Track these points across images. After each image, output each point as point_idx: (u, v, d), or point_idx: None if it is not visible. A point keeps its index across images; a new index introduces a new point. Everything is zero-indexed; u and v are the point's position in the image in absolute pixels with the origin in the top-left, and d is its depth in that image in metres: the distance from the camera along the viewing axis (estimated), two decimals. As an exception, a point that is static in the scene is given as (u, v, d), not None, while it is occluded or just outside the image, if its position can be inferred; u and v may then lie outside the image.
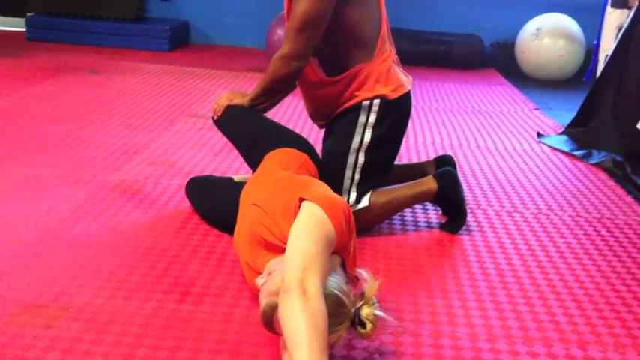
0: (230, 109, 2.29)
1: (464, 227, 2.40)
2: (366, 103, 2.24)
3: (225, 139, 2.56)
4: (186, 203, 2.44)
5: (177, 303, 1.79)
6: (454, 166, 2.51)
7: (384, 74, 2.26)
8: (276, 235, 1.66)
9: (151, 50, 5.64)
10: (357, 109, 2.25)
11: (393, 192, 2.32)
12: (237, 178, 2.42)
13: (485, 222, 2.52)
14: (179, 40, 5.96)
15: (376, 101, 2.24)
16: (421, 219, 2.49)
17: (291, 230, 1.54)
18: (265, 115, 2.34)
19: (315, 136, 3.16)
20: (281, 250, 1.65)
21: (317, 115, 2.40)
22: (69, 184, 2.57)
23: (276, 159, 2.02)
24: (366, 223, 2.27)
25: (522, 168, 3.20)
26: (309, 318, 1.35)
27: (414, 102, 2.43)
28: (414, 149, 3.40)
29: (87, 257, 2.00)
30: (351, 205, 2.22)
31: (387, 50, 2.30)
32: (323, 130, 2.46)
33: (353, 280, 1.65)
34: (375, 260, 2.13)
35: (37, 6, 5.77)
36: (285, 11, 2.28)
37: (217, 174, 2.83)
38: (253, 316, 1.74)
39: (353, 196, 2.24)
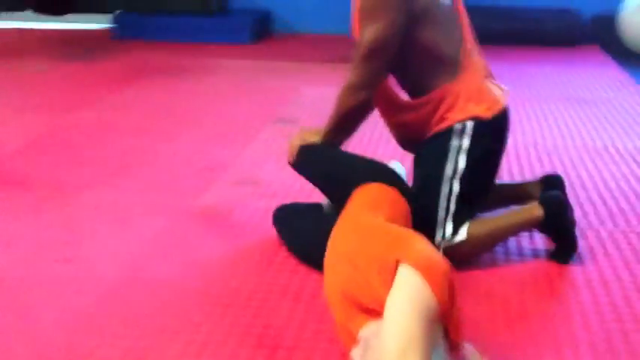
0: (304, 150, 2.18)
1: (575, 254, 2.18)
2: (458, 126, 2.06)
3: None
4: (274, 232, 2.34)
5: (267, 361, 1.69)
6: (563, 188, 2.28)
7: (476, 92, 2.06)
8: (370, 296, 1.52)
9: (233, 43, 5.57)
10: (448, 132, 2.07)
11: (494, 221, 2.13)
12: (325, 206, 2.29)
13: (598, 246, 2.29)
14: (261, 30, 5.87)
15: (469, 123, 2.05)
16: (526, 245, 2.28)
17: (388, 304, 1.40)
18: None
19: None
20: (377, 314, 1.51)
21: (405, 141, 2.23)
22: (153, 212, 2.52)
23: (364, 198, 1.88)
24: (465, 257, 2.10)
25: (637, 174, 2.91)
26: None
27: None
28: (512, 152, 3.16)
29: (173, 304, 1.93)
30: (448, 239, 2.06)
31: (476, 64, 2.11)
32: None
33: (455, 347, 1.49)
34: (477, 302, 1.95)
35: (121, 3, 5.80)
36: (354, 35, 2.12)
37: (304, 190, 2.71)
38: (347, 378, 1.62)
39: (449, 228, 2.06)
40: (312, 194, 2.68)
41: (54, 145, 3.23)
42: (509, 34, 5.44)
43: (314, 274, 2.08)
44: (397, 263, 1.48)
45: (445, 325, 1.47)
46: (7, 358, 1.68)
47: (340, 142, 2.20)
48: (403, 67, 2.10)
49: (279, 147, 3.21)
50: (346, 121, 2.13)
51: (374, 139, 3.25)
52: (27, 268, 2.11)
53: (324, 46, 5.50)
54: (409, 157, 2.36)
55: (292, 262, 2.17)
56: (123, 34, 5.68)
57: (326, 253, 1.78)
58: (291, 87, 4.31)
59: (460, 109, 2.06)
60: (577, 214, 2.53)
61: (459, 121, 2.06)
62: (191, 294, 1.98)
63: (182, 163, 3.02)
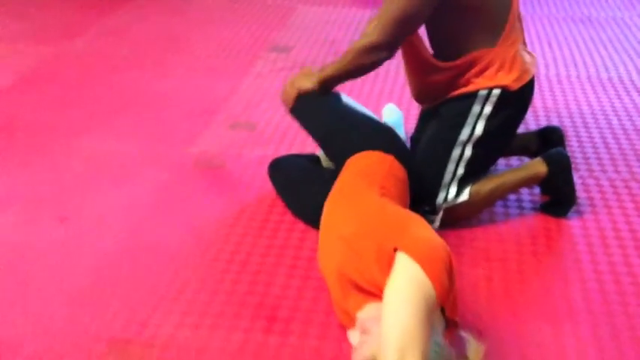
0: (301, 99, 2.08)
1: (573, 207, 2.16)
2: (484, 92, 1.98)
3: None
4: (269, 185, 2.30)
5: (264, 334, 1.70)
6: (563, 142, 2.23)
7: (509, 60, 1.97)
8: (368, 280, 1.50)
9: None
10: (471, 97, 1.98)
11: (496, 179, 2.08)
12: (323, 158, 2.23)
13: (597, 196, 2.26)
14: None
15: (495, 92, 1.97)
16: (525, 198, 2.25)
17: (387, 295, 1.38)
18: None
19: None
20: (374, 296, 1.50)
21: (423, 97, 2.14)
22: (149, 162, 2.47)
23: (358, 168, 1.82)
24: (465, 215, 2.08)
25: (641, 110, 2.84)
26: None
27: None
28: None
29: (171, 271, 1.92)
30: (450, 200, 2.02)
31: (517, 30, 2.00)
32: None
33: (452, 325, 1.50)
34: (474, 264, 1.94)
35: None
36: None
37: (300, 136, 2.66)
38: (344, 354, 1.63)
39: (453, 191, 2.02)
40: (306, 140, 2.63)
41: (42, 82, 3.13)
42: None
43: (310, 233, 2.07)
44: (395, 251, 1.46)
45: (442, 305, 1.47)
46: (7, 328, 1.69)
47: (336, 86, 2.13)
48: (444, 27, 1.98)
49: (273, 83, 3.12)
50: (352, 76, 2.06)
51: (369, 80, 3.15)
52: (23, 232, 2.09)
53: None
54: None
55: (288, 219, 2.14)
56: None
57: (321, 226, 1.75)
58: (287, 6, 4.14)
59: (489, 77, 1.97)
60: (577, 158, 2.49)
61: (485, 88, 1.98)
62: (189, 261, 1.96)
63: (175, 103, 2.93)
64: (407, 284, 1.38)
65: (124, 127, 2.73)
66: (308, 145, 2.56)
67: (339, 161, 1.96)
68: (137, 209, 2.20)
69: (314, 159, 2.24)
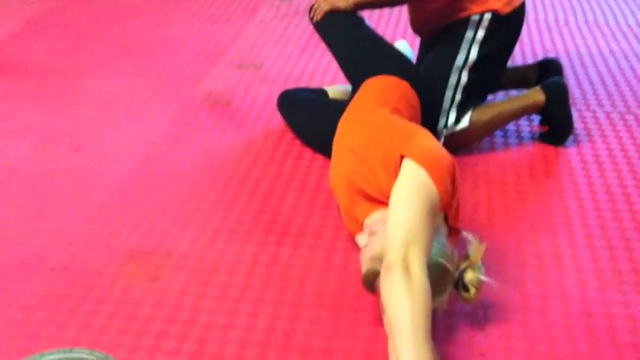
0: (331, 16, 2.12)
1: (570, 136, 2.24)
2: (476, 17, 2.05)
3: (312, 32, 2.40)
4: (277, 118, 2.38)
5: (277, 246, 1.79)
6: (561, 73, 2.30)
7: None
8: (375, 187, 1.59)
9: None
10: (464, 23, 2.06)
11: (495, 107, 2.16)
12: (330, 92, 2.31)
13: (594, 127, 2.34)
14: None
15: (487, 16, 2.05)
16: (525, 129, 2.34)
17: (393, 196, 1.46)
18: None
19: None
20: (381, 204, 1.59)
21: (420, 28, 2.21)
22: (158, 99, 2.54)
23: (374, 90, 1.90)
24: (466, 142, 2.16)
25: (638, 52, 2.91)
26: (413, 300, 1.31)
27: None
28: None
29: (185, 192, 2.01)
30: (450, 127, 2.10)
31: None
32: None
33: (454, 232, 1.59)
34: (475, 186, 2.03)
35: None
36: None
37: (306, 72, 2.73)
38: (352, 261, 1.72)
39: (452, 116, 2.10)
40: (312, 79, 2.70)
41: (48, 28, 3.19)
42: None
43: (318, 161, 2.15)
44: (401, 158, 1.54)
45: (446, 212, 1.56)
46: (33, 242, 1.78)
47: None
48: None
49: (278, 27, 3.18)
50: (390, 5, 2.11)
51: (383, 17, 3.21)
52: (41, 159, 2.17)
53: None
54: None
55: (296, 148, 2.23)
56: None
57: (334, 143, 1.83)
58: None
59: (480, 1, 2.05)
60: (575, 93, 2.57)
61: (476, 13, 2.05)
62: (201, 183, 2.05)
63: (181, 47, 2.99)
64: (412, 186, 1.46)
65: (132, 69, 2.79)
66: (314, 85, 2.64)
67: (355, 81, 2.03)
68: (149, 139, 2.28)
69: (322, 92, 2.32)
